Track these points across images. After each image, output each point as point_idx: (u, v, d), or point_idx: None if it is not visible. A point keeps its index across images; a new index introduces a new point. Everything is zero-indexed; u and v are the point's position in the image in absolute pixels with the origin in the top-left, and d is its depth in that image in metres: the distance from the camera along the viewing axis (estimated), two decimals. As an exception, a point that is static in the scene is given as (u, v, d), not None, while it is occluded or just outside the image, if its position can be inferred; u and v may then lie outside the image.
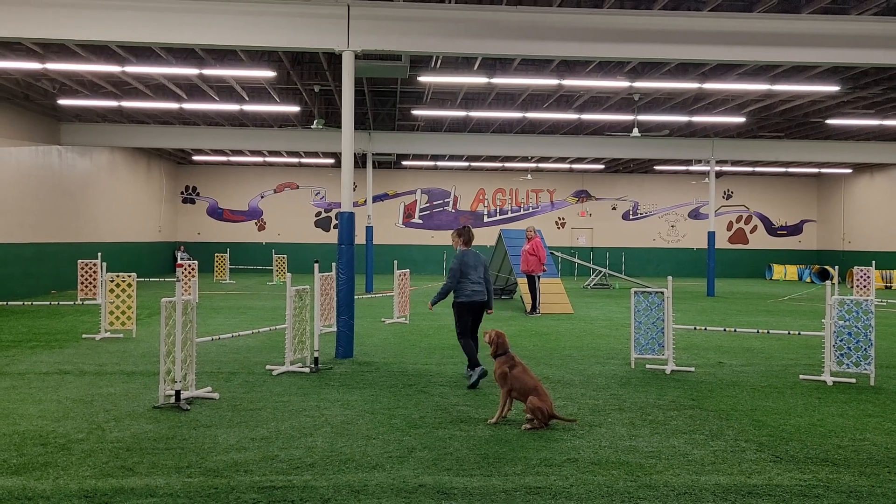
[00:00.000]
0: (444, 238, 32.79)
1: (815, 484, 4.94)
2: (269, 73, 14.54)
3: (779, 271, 31.67)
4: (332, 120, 20.58)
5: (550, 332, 12.89)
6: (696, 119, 19.49)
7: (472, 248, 8.68)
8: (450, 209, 33.28)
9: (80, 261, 17.59)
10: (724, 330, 10.62)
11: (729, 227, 34.20)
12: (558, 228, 33.51)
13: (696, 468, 5.26)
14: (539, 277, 15.90)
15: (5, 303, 13.03)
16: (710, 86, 15.36)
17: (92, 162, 23.20)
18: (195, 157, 30.06)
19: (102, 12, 10.10)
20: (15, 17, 9.96)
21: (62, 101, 17.80)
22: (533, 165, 31.02)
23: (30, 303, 12.73)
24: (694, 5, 11.51)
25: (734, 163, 28.23)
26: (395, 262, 16.01)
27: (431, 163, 30.58)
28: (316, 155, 28.27)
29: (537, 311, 15.72)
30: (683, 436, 6.12)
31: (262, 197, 32.65)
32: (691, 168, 29.69)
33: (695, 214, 34.06)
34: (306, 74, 16.75)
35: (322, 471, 5.11)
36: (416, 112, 19.58)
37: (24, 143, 18.93)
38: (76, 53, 13.81)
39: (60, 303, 12.87)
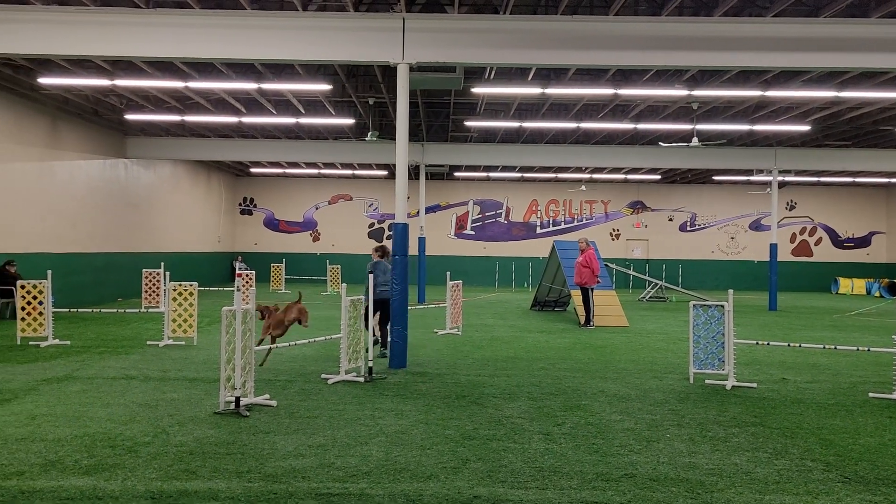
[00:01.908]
0: (497, 249, 32.76)
1: (885, 504, 4.78)
2: (325, 87, 14.79)
3: (845, 285, 30.69)
4: (386, 132, 20.79)
5: (605, 345, 12.74)
6: (758, 127, 19.09)
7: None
8: (502, 220, 33.23)
9: (144, 270, 18.15)
10: (788, 345, 10.32)
11: (792, 239, 33.31)
12: (613, 240, 33.14)
13: (760, 487, 5.13)
14: (592, 290, 15.74)
15: (76, 310, 13.48)
16: (772, 93, 15.04)
17: (156, 174, 23.90)
18: (253, 170, 30.71)
19: (168, 30, 10.43)
20: (86, 37, 10.36)
21: (128, 116, 18.42)
22: (587, 176, 30.76)
23: (98, 310, 13.15)
24: (756, 11, 11.30)
25: (798, 172, 27.49)
26: (448, 273, 16.04)
27: (484, 174, 30.61)
28: (369, 167, 28.58)
29: (591, 324, 15.56)
30: (746, 453, 5.98)
31: (317, 208, 33.13)
32: (752, 178, 29.04)
33: (756, 226, 33.30)
34: (361, 87, 16.98)
35: (377, 479, 5.14)
36: (469, 123, 19.65)
37: (94, 156, 19.61)
38: (142, 70, 14.29)
39: (127, 310, 13.26)
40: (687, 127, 19.10)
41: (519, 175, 30.70)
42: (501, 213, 33.26)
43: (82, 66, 14.39)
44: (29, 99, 16.46)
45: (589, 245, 15.97)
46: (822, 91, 14.87)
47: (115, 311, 13.32)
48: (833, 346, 9.29)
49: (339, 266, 27.42)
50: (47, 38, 10.32)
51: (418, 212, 24.16)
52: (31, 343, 11.45)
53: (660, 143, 21.05)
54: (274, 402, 7.46)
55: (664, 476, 5.32)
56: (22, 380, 8.57)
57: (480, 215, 33.22)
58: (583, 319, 15.71)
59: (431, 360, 10.62)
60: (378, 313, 10.88)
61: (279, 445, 5.95)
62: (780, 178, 27.18)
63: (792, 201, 33.27)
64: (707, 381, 9.13)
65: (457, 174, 30.88)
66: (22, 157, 16.29)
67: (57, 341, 11.59)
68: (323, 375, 9.09)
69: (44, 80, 14.50)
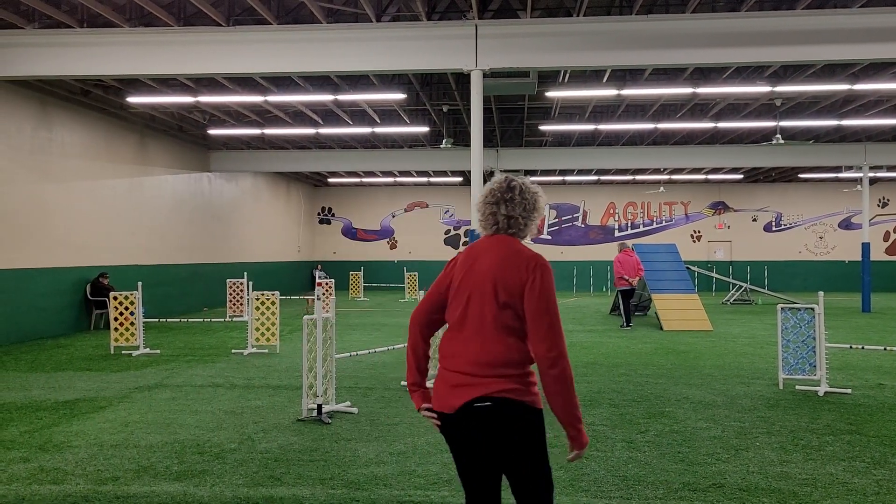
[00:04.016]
0: (574, 254, 32.40)
1: None
2: (400, 96, 14.94)
3: (944, 284, 29.06)
4: (461, 139, 20.86)
5: (689, 349, 12.41)
6: (846, 123, 18.28)
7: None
8: (579, 224, 32.85)
9: (228, 280, 18.71)
10: (885, 349, 9.83)
11: (885, 238, 31.76)
12: (694, 242, 32.31)
13: (858, 499, 4.89)
14: (621, 292, 16.11)
15: (165, 319, 14.01)
16: (861, 87, 14.38)
17: (238, 187, 24.65)
18: (330, 180, 31.31)
19: (247, 46, 10.76)
20: (171, 57, 10.80)
21: (212, 131, 19.06)
22: (665, 177, 30.11)
23: (185, 319, 13.66)
24: (841, 2, 10.84)
25: (889, 168, 26.21)
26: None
27: (559, 178, 30.34)
28: (444, 174, 28.71)
29: (628, 325, 15.94)
30: (842, 463, 5.71)
31: (394, 216, 33.49)
32: (841, 175, 27.82)
33: (846, 224, 31.90)
34: (435, 95, 17.09)
35: (458, 487, 5.13)
36: (543, 127, 19.51)
37: (179, 171, 20.38)
38: (224, 86, 14.76)
39: (212, 320, 13.70)
40: (770, 124, 18.46)
41: (595, 178, 30.30)
42: (578, 216, 32.90)
43: (167, 84, 14.98)
44: (118, 118, 17.25)
45: (622, 249, 16.20)
46: (916, 82, 14.14)
47: (202, 320, 13.79)
48: (935, 351, 8.81)
49: (416, 273, 27.63)
50: (135, 58, 10.80)
51: (493, 217, 24.12)
52: (123, 352, 11.95)
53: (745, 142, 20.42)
54: (355, 410, 7.55)
55: (754, 486, 5.13)
56: (116, 388, 8.95)
57: (557, 219, 32.94)
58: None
59: (510, 367, 10.54)
60: None
61: (361, 452, 6.01)
62: (870, 175, 25.92)
63: (884, 198, 31.73)
64: (798, 387, 8.77)
65: (532, 178, 30.58)
66: (113, 173, 17.07)
67: (147, 350, 12.06)
68: (402, 382, 9.16)
69: (132, 100, 15.15)
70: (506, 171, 23.42)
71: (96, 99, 15.83)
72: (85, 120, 16.00)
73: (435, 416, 3.01)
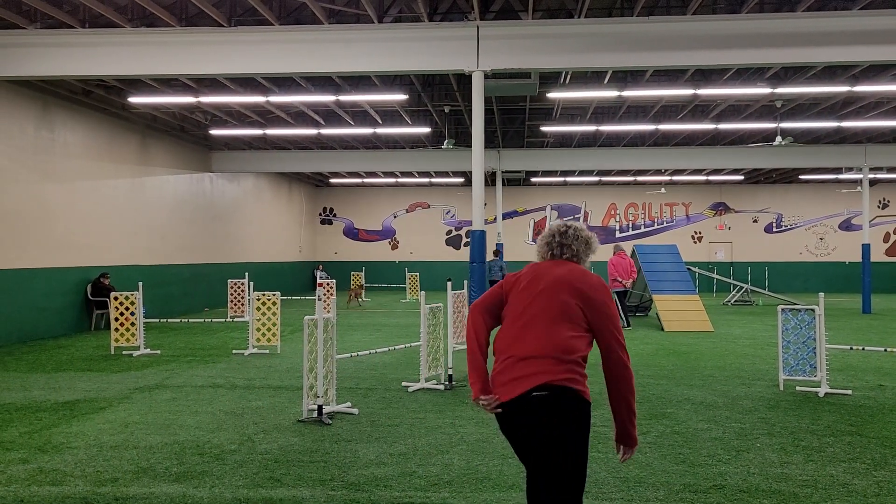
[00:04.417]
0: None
1: None
2: (401, 97, 14.95)
3: (945, 286, 29.04)
4: (462, 139, 20.86)
5: (690, 350, 12.41)
6: (846, 124, 18.28)
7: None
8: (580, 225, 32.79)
9: (229, 280, 18.71)
10: (885, 350, 9.82)
11: (886, 239, 31.74)
12: (695, 243, 32.30)
13: (859, 500, 4.89)
14: (615, 293, 16.12)
15: (166, 320, 14.02)
16: (861, 88, 14.38)
17: (239, 187, 24.66)
18: (332, 180, 31.31)
19: (249, 47, 10.77)
20: (173, 57, 10.81)
21: (213, 131, 19.07)
22: (667, 178, 30.10)
23: (187, 320, 13.66)
24: (842, 5, 10.85)
25: (890, 170, 26.19)
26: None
27: (561, 179, 30.34)
28: (446, 174, 28.72)
29: (627, 325, 16.23)
30: (842, 464, 5.71)
31: (395, 217, 33.50)
32: (841, 176, 27.82)
33: (846, 226, 31.88)
34: (437, 96, 17.10)
35: (459, 488, 5.14)
36: (545, 128, 19.52)
37: (181, 171, 20.40)
38: (225, 86, 14.77)
39: (213, 320, 13.70)
40: (771, 125, 18.46)
41: (597, 179, 30.30)
42: (580, 217, 32.88)
43: (169, 84, 14.99)
44: (120, 118, 17.26)
45: (616, 252, 16.57)
46: (917, 83, 14.14)
47: (202, 320, 13.79)
48: (936, 352, 8.80)
49: (417, 273, 27.62)
50: (137, 59, 10.82)
51: (495, 218, 24.15)
52: (124, 353, 11.96)
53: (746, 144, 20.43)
54: (356, 411, 7.55)
55: (755, 487, 5.13)
56: (116, 388, 8.96)
57: (558, 220, 32.87)
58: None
59: (510, 368, 10.54)
60: None
61: (361, 454, 6.02)
62: (871, 176, 25.91)
63: (885, 199, 31.71)
64: (798, 388, 8.77)
65: (534, 180, 30.71)
66: (114, 174, 17.08)
67: (148, 351, 12.07)
68: (403, 383, 9.16)
69: (134, 100, 15.17)
70: (507, 171, 23.45)
71: (98, 99, 15.84)
72: (87, 120, 16.02)
73: (489, 403, 3.24)
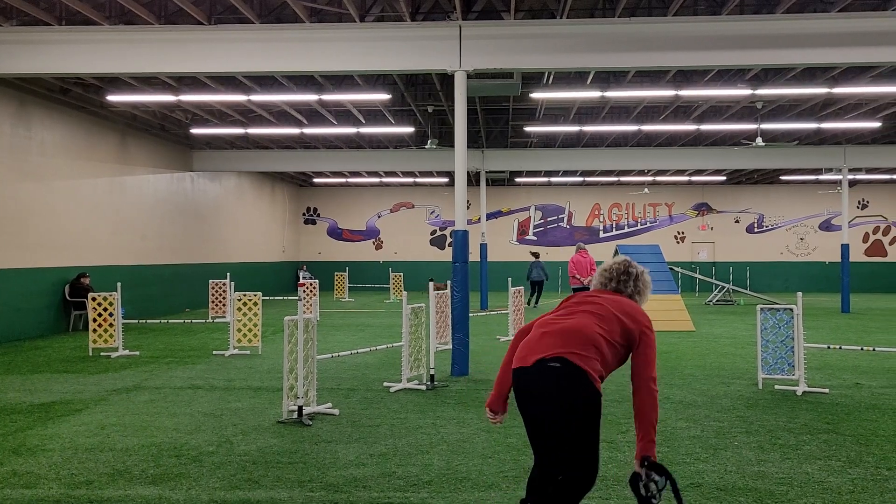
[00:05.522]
0: (559, 254, 32.44)
1: (971, 519, 4.52)
2: (385, 96, 14.92)
3: (923, 285, 29.38)
4: (446, 139, 20.84)
5: (671, 350, 12.47)
6: (826, 125, 18.46)
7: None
8: (564, 225, 32.93)
9: (211, 281, 18.58)
10: (862, 349, 9.94)
11: (865, 239, 32.08)
12: (678, 243, 32.48)
13: (833, 497, 4.92)
14: (574, 290, 16.59)
15: (146, 321, 13.89)
16: (840, 90, 14.52)
17: (221, 187, 24.51)
18: (315, 180, 31.20)
19: (230, 45, 10.70)
20: (152, 55, 10.71)
21: (194, 130, 18.95)
22: (650, 179, 30.27)
23: (167, 321, 13.56)
24: (821, 7, 10.94)
25: (869, 170, 26.48)
26: (510, 279, 15.97)
27: (545, 179, 30.41)
28: (430, 174, 28.72)
29: None
30: (818, 462, 5.75)
31: (379, 217, 33.44)
32: (821, 177, 28.09)
33: (826, 226, 32.19)
34: (420, 95, 17.08)
35: (438, 489, 5.13)
36: (528, 129, 19.56)
37: (161, 170, 20.24)
38: (206, 85, 14.67)
39: (193, 321, 13.61)
40: (752, 127, 18.60)
41: (581, 179, 30.40)
42: (564, 217, 32.99)
43: (149, 83, 14.87)
44: (99, 116, 17.10)
45: (578, 250, 16.92)
46: (893, 86, 14.29)
47: (183, 321, 13.68)
48: (912, 351, 8.89)
49: (401, 274, 27.58)
50: (115, 57, 10.71)
51: (479, 218, 24.17)
52: (102, 354, 11.84)
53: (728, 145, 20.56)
54: (336, 411, 7.52)
55: (732, 485, 5.16)
56: (93, 390, 8.87)
57: (542, 220, 33.00)
58: None
59: (494, 368, 10.56)
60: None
61: (341, 454, 5.99)
62: (850, 177, 26.19)
63: (864, 200, 32.05)
64: (777, 387, 8.84)
65: (518, 180, 30.77)
66: (93, 172, 16.92)
67: (127, 352, 11.96)
68: (385, 383, 9.14)
69: (112, 98, 15.03)
70: (491, 171, 23.47)
71: (76, 97, 15.68)
72: (64, 118, 15.85)
73: (492, 419, 3.76)
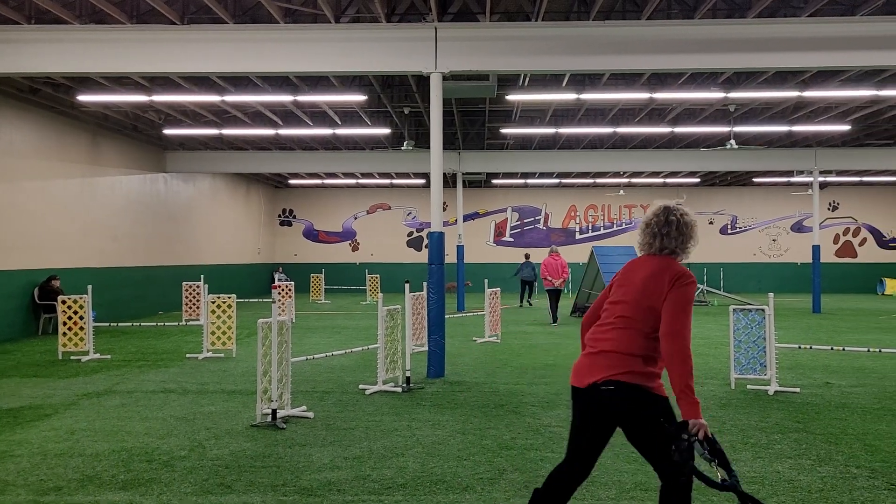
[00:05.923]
0: (536, 256, 32.55)
1: (937, 516, 4.59)
2: (361, 97, 14.87)
3: (892, 286, 29.87)
4: (423, 141, 20.81)
5: (645, 351, 12.54)
6: (797, 128, 18.70)
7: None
8: (541, 227, 33.05)
9: (184, 283, 18.38)
10: (832, 349, 10.07)
11: (835, 240, 32.56)
12: (652, 244, 32.65)
13: (803, 495, 4.98)
14: (548, 292, 17.64)
15: (117, 324, 13.71)
16: (810, 94, 14.73)
17: (195, 188, 24.27)
18: (291, 181, 31.01)
19: (203, 45, 10.61)
20: (124, 55, 10.58)
21: (167, 131, 18.74)
22: (625, 181, 30.47)
23: (139, 324, 13.37)
24: (791, 11, 11.08)
25: (839, 173, 26.85)
26: (486, 280, 15.99)
27: (521, 181, 30.50)
28: (407, 176, 28.68)
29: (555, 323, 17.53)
30: (788, 460, 5.82)
31: (356, 218, 33.32)
32: (793, 179, 28.46)
33: (798, 228, 32.62)
34: (396, 97, 17.05)
35: (413, 491, 5.11)
36: (505, 130, 19.60)
37: (133, 171, 20.00)
38: (179, 85, 14.52)
39: (166, 324, 13.45)
40: (725, 129, 18.80)
41: (557, 181, 30.53)
42: (540, 219, 33.10)
43: (120, 83, 14.68)
44: (69, 117, 16.85)
45: (551, 253, 17.93)
46: (862, 90, 14.53)
47: (155, 324, 13.52)
48: (878, 349, 9.02)
49: (377, 275, 27.51)
50: (86, 56, 10.56)
51: (456, 220, 24.18)
52: (72, 358, 11.66)
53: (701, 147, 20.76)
54: (311, 414, 7.47)
55: (703, 485, 5.18)
56: (63, 395, 8.73)
57: (519, 222, 33.09)
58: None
59: (469, 369, 10.56)
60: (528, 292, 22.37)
61: (315, 458, 5.95)
62: (821, 179, 26.54)
63: (834, 202, 32.53)
64: (749, 387, 8.93)
65: (494, 181, 30.83)
66: (64, 173, 16.68)
67: (98, 356, 11.78)
68: (361, 386, 9.10)
69: (83, 98, 14.82)
70: (468, 173, 23.47)
71: (46, 97, 15.45)
72: (34, 118, 15.61)
73: None
